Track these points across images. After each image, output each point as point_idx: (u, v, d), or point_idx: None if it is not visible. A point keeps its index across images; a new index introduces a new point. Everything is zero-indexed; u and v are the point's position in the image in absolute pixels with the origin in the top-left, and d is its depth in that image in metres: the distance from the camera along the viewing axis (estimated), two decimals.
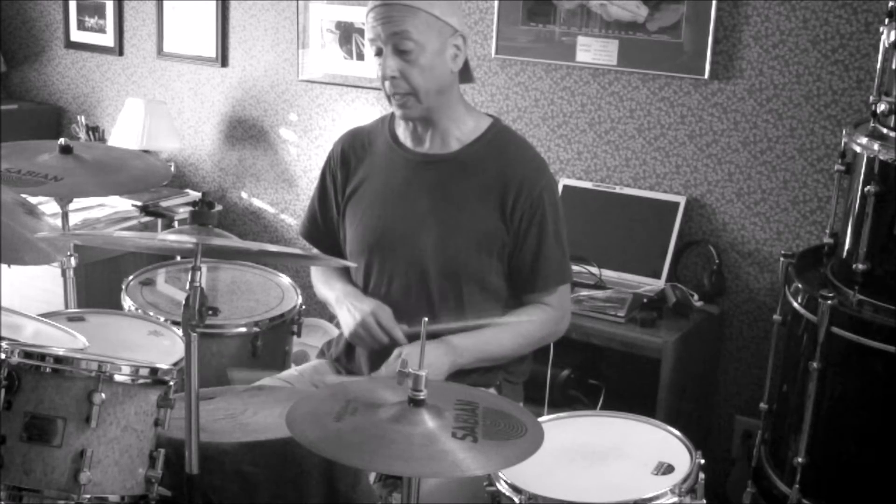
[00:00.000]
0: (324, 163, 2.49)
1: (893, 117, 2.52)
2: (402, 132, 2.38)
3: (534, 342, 2.38)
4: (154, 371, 1.83)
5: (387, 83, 2.24)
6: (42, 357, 1.78)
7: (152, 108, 4.21)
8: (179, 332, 2.27)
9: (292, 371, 2.46)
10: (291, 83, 4.15)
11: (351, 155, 2.43)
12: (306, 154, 4.17)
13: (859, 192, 2.57)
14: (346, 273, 2.45)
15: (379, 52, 2.23)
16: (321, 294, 2.48)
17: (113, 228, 3.87)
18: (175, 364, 2.02)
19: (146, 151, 3.87)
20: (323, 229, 2.50)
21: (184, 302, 1.74)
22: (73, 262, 2.70)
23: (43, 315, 2.25)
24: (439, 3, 2.21)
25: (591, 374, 3.30)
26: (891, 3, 2.57)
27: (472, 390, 1.95)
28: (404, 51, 2.20)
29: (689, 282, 3.40)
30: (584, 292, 3.25)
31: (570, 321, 2.44)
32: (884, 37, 2.58)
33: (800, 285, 2.67)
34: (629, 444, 2.02)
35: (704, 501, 1.88)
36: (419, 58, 2.20)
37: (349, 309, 2.31)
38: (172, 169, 4.23)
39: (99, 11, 4.56)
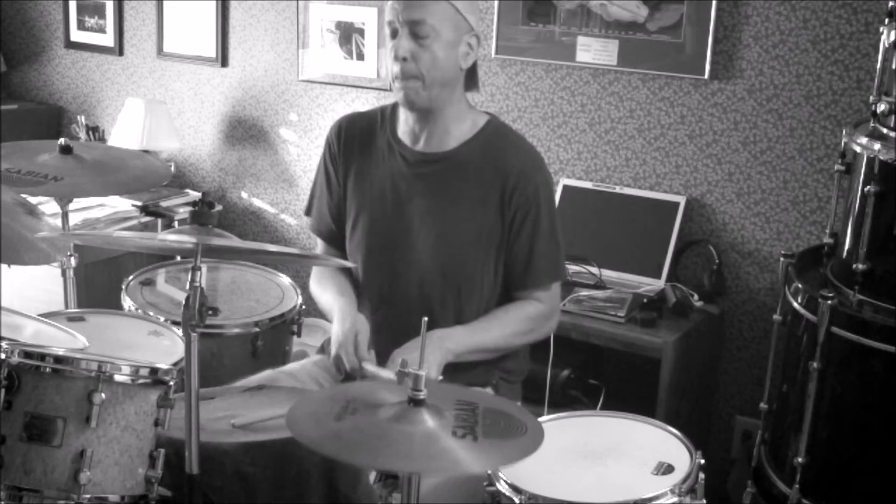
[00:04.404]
0: (323, 151, 2.47)
1: (893, 117, 2.52)
2: (402, 130, 2.38)
3: (521, 337, 2.37)
4: (154, 371, 1.83)
5: (396, 65, 2.24)
6: (42, 357, 1.78)
7: (152, 108, 4.21)
8: (179, 332, 2.27)
9: (294, 365, 2.46)
10: (291, 83, 4.15)
11: (349, 140, 2.42)
12: (306, 154, 4.17)
13: (859, 192, 2.57)
14: (343, 273, 2.44)
15: (394, 34, 2.24)
16: (315, 296, 2.47)
17: (113, 228, 3.86)
18: (175, 364, 2.02)
19: (146, 151, 3.87)
20: (335, 224, 2.47)
21: (184, 302, 1.75)
22: (73, 262, 2.70)
23: (43, 315, 2.24)
24: None
25: (591, 374, 3.29)
26: (891, 3, 2.57)
27: (471, 391, 1.95)
28: (420, 35, 2.21)
29: (689, 282, 3.40)
30: (584, 292, 3.25)
31: (558, 320, 2.43)
32: (884, 37, 2.57)
33: (800, 285, 2.66)
34: (629, 444, 2.01)
35: (704, 501, 1.88)
36: (433, 44, 2.21)
37: (337, 324, 2.28)
38: (172, 169, 4.23)
39: (99, 11, 4.56)
